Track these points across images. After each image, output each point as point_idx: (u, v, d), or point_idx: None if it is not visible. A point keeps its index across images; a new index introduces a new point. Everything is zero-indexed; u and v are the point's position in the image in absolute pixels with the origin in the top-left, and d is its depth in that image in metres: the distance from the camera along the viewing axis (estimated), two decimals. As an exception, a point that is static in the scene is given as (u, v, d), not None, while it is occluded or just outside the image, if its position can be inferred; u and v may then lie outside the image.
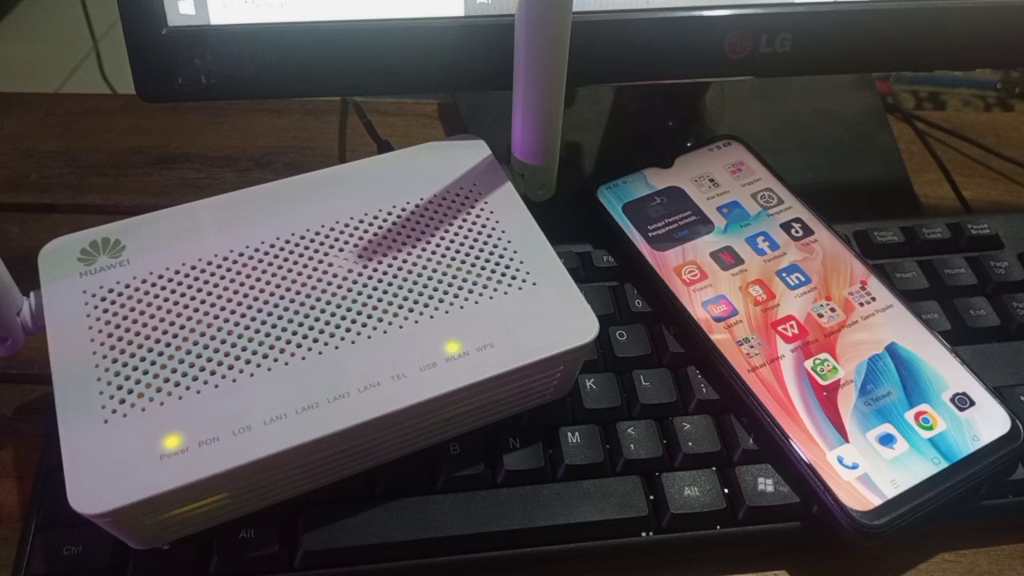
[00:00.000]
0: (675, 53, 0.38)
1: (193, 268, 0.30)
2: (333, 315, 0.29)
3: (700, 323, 0.34)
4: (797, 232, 0.38)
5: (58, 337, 0.28)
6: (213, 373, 0.27)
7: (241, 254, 0.30)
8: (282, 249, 0.30)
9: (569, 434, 0.32)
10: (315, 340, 0.28)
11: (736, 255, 0.37)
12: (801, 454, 0.30)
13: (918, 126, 0.51)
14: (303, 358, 0.28)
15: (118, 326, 0.28)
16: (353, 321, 0.29)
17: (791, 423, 0.31)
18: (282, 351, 0.28)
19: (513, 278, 0.30)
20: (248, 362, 0.27)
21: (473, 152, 0.34)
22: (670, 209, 0.39)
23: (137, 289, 0.29)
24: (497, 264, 0.31)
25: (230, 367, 0.27)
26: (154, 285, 0.29)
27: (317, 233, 0.31)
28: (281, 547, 0.29)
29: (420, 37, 0.35)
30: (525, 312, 0.29)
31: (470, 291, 0.30)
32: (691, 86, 0.46)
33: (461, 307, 0.29)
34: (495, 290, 0.30)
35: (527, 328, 0.29)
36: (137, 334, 0.28)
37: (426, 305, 0.29)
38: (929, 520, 0.30)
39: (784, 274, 0.36)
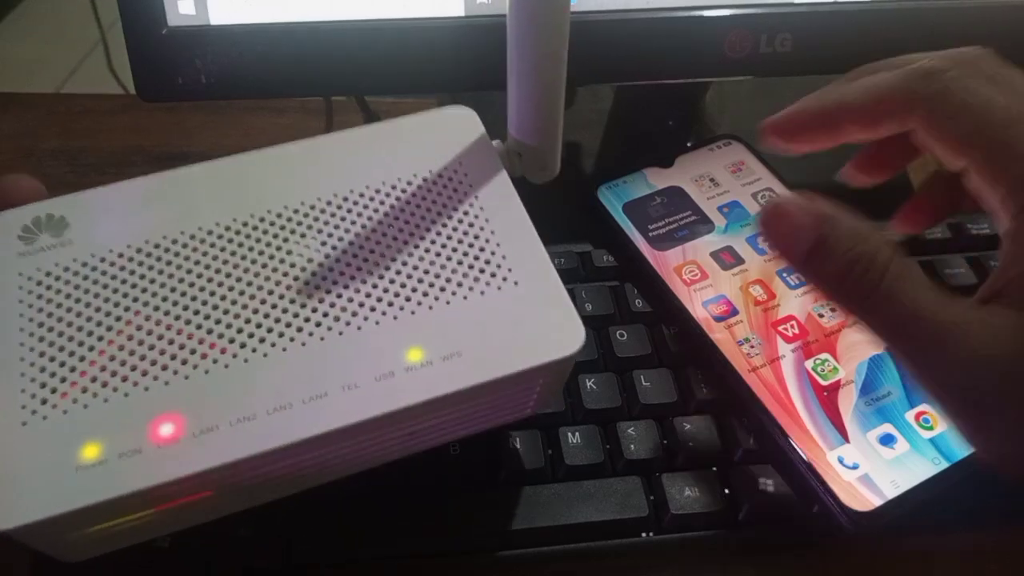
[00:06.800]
0: (675, 53, 0.38)
1: (138, 251, 0.26)
2: (285, 311, 0.25)
3: (700, 323, 0.34)
4: (797, 232, 0.38)
5: None
6: (144, 374, 0.24)
7: (192, 236, 0.27)
8: (237, 233, 0.27)
9: (569, 434, 0.32)
10: (261, 340, 0.25)
11: (736, 255, 0.37)
12: (801, 454, 0.30)
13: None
14: (245, 360, 0.24)
15: (51, 314, 0.25)
16: (307, 320, 0.25)
17: (791, 423, 0.31)
18: (223, 351, 0.24)
19: (492, 275, 0.26)
20: (184, 362, 0.24)
21: (461, 125, 0.30)
22: (670, 209, 0.39)
23: (76, 273, 0.26)
24: (476, 258, 0.27)
25: (163, 367, 0.24)
26: (94, 270, 0.26)
27: (279, 215, 0.27)
28: (278, 548, 0.29)
29: (420, 37, 0.35)
30: (502, 316, 0.26)
31: (441, 289, 0.26)
32: (691, 86, 0.46)
33: (430, 307, 0.26)
34: (470, 289, 0.26)
35: (502, 335, 0.25)
36: (70, 324, 0.25)
37: (390, 304, 0.26)
38: (930, 520, 0.30)
39: (784, 274, 0.36)
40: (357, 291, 0.26)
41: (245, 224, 0.27)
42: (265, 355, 0.24)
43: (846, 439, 0.31)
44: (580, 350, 0.25)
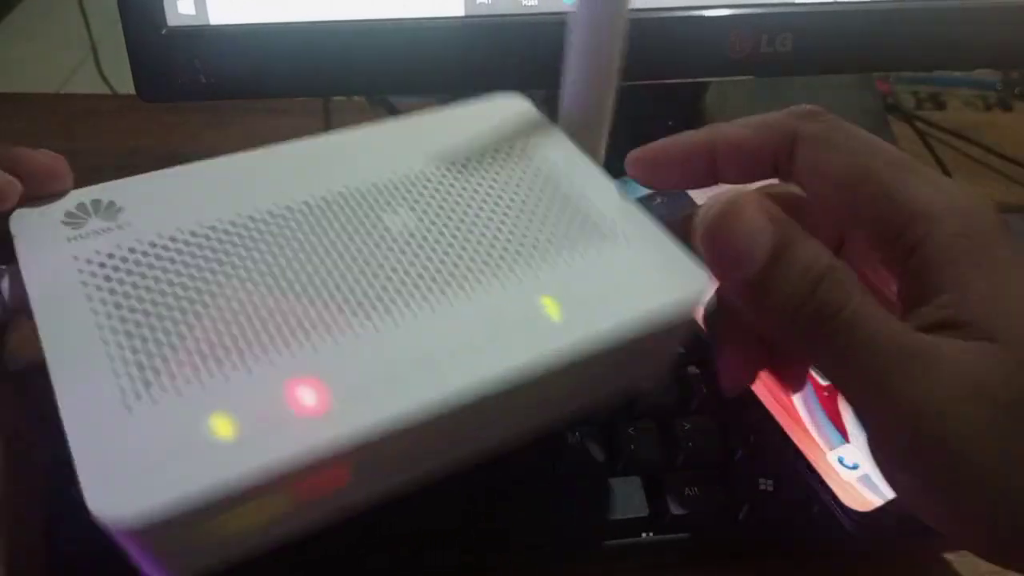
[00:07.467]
0: (675, 53, 0.38)
1: (213, 229, 0.25)
2: (404, 279, 0.24)
3: (701, 323, 0.34)
4: (797, 232, 0.38)
5: (48, 312, 0.22)
6: (265, 346, 0.22)
7: (272, 215, 0.25)
8: (323, 210, 0.26)
9: (569, 434, 0.32)
10: (387, 309, 0.23)
11: (736, 255, 0.37)
12: (801, 454, 0.30)
13: (918, 126, 0.52)
14: (376, 327, 0.23)
15: (127, 295, 0.23)
16: (416, 286, 0.24)
17: (791, 423, 0.31)
18: (349, 319, 0.23)
19: (595, 235, 0.26)
20: (308, 332, 0.22)
21: (517, 109, 0.30)
22: (671, 209, 0.38)
23: (145, 254, 0.24)
24: (572, 221, 0.26)
25: (285, 339, 0.22)
26: (166, 249, 0.24)
27: (362, 193, 0.27)
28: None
29: (420, 37, 0.35)
30: (619, 270, 0.25)
31: (550, 251, 0.25)
32: (691, 86, 0.46)
33: (540, 271, 0.25)
34: (581, 249, 0.26)
35: (625, 286, 0.25)
36: (155, 303, 0.23)
37: (499, 266, 0.25)
38: (929, 520, 0.30)
39: (784, 274, 0.36)
40: (460, 257, 0.25)
41: (327, 200, 0.26)
42: (396, 322, 0.23)
43: (846, 439, 0.31)
44: (703, 291, 0.24)
